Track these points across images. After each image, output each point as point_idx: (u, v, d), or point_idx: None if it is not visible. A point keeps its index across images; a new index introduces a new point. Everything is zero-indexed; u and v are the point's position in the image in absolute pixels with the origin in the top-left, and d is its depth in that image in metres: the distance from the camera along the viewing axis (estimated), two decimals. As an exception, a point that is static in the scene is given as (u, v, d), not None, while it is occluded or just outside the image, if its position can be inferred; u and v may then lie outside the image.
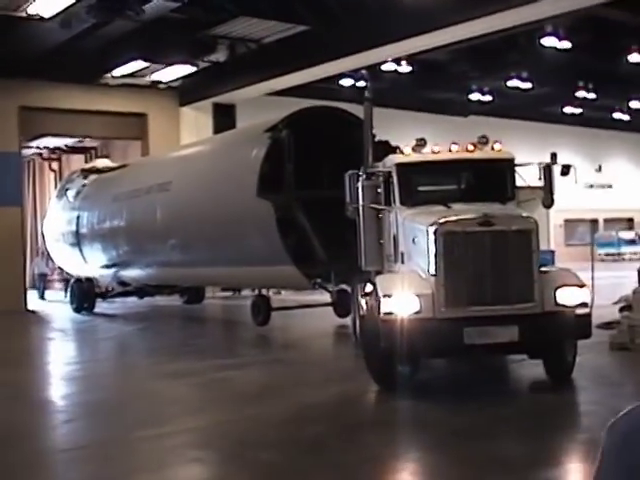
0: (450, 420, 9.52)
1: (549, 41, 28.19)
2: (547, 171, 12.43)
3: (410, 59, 30.43)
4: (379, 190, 12.30)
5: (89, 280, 26.77)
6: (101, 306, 26.68)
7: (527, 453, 8.07)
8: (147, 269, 23.56)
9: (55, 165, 42.62)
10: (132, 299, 27.26)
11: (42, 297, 33.62)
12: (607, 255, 47.37)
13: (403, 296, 10.50)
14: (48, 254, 33.27)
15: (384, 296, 10.63)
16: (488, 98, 38.72)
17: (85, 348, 19.58)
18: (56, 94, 29.32)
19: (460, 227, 10.79)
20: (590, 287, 11.03)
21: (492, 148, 12.36)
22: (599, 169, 49.00)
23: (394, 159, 12.42)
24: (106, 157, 31.15)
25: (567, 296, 10.67)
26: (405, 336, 10.28)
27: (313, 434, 9.27)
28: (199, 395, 12.01)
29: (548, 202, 12.52)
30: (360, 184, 12.27)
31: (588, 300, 10.83)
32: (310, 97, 26.33)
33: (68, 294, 28.33)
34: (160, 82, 30.55)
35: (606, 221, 51.73)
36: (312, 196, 17.28)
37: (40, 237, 42.69)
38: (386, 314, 10.51)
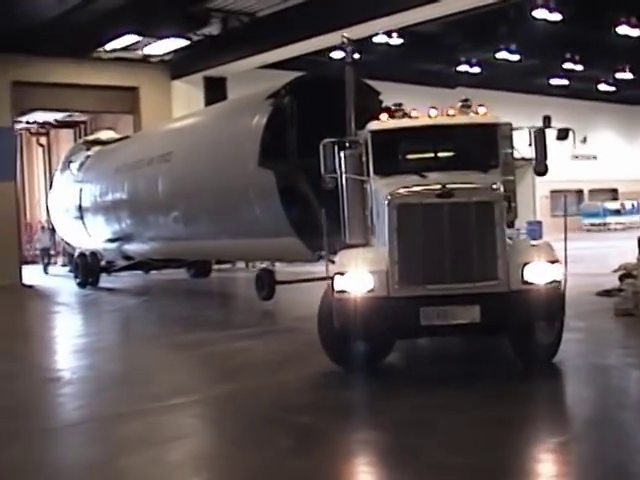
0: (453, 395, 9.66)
1: (540, 13, 28.37)
2: (539, 136, 11.44)
3: (401, 31, 30.55)
4: (363, 159, 11.58)
5: (93, 254, 26.29)
6: (106, 280, 26.56)
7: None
8: (151, 243, 23.10)
9: (43, 140, 42.70)
10: (138, 273, 27.08)
11: (46, 271, 33.65)
12: (592, 225, 47.90)
13: (356, 273, 9.89)
14: (52, 228, 33.34)
15: (337, 273, 10.02)
16: (476, 70, 38.91)
17: (94, 321, 19.74)
18: (48, 68, 29.39)
19: (416, 199, 9.96)
20: (563, 261, 9.96)
21: (476, 112, 11.45)
22: (584, 140, 49.22)
23: (369, 126, 11.65)
24: (110, 128, 30.87)
25: (536, 273, 9.73)
26: (358, 316, 9.77)
27: (347, 398, 9.54)
28: (222, 364, 12.14)
29: (541, 169, 11.48)
30: (343, 153, 11.73)
31: (560, 277, 9.83)
32: (301, 70, 26.29)
33: (72, 268, 28.06)
34: (152, 56, 30.59)
35: (591, 192, 52.19)
36: (316, 165, 16.99)
37: (28, 211, 42.91)
38: (339, 292, 9.91)
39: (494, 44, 34.81)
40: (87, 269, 26.37)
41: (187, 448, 8.05)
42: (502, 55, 35.68)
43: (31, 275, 30.46)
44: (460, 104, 11.52)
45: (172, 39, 28.14)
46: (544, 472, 7.04)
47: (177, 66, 31.79)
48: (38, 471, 7.54)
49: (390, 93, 20.22)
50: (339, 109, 17.44)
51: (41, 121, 40.03)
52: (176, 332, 15.69)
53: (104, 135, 29.17)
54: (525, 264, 9.72)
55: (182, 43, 28.70)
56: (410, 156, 11.87)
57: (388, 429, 8.15)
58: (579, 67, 38.87)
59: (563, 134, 11.69)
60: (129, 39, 27.82)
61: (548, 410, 8.85)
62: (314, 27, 25.64)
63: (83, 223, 26.33)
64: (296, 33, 26.28)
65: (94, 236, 25.88)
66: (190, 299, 22.83)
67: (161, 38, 28.01)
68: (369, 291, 9.79)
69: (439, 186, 9.90)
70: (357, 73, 15.22)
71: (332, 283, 10.03)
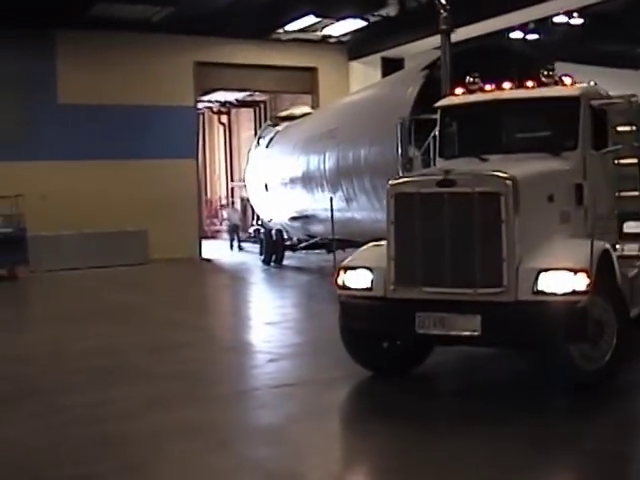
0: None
1: None
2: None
3: (582, 11, 29.86)
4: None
5: (279, 231, 26.36)
6: (291, 257, 27.01)
7: None
8: (325, 222, 22.05)
9: (224, 118, 43.97)
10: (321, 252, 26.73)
11: (234, 247, 34.74)
12: None
13: (357, 270, 9.14)
14: (243, 204, 34.13)
15: (341, 268, 9.31)
16: (663, 50, 37.56)
17: (266, 295, 20.50)
18: (229, 49, 30.29)
19: (414, 187, 8.76)
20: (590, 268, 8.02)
21: (562, 84, 9.91)
22: None
23: (438, 103, 10.70)
24: (304, 104, 31.25)
25: (553, 282, 8.05)
26: (356, 315, 9.20)
27: (502, 384, 9.65)
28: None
29: None
30: (435, 132, 10.76)
31: (583, 288, 7.94)
32: (479, 51, 26.15)
33: (258, 245, 28.31)
34: (330, 36, 31.01)
35: None
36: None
37: (209, 188, 44.40)
38: (340, 288, 9.25)
39: (682, 22, 33.47)
40: (272, 246, 26.49)
41: (341, 420, 8.48)
42: (691, 34, 34.28)
43: (210, 250, 31.58)
44: (543, 74, 10.04)
45: (350, 20, 28.46)
46: None
47: (354, 47, 32.14)
48: (210, 431, 8.05)
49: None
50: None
51: (222, 100, 41.19)
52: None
53: (298, 110, 29.23)
54: (541, 270, 8.12)
55: (360, 24, 28.98)
56: (477, 136, 10.64)
57: (543, 415, 8.13)
58: None
59: None
60: (308, 20, 28.30)
61: None
62: (493, 8, 25.40)
63: (270, 200, 26.28)
64: (473, 14, 26.02)
65: (280, 213, 25.73)
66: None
67: (339, 19, 28.39)
68: (367, 289, 8.99)
69: (441, 173, 8.68)
70: (535, 52, 14.38)
71: (336, 278, 9.32)
